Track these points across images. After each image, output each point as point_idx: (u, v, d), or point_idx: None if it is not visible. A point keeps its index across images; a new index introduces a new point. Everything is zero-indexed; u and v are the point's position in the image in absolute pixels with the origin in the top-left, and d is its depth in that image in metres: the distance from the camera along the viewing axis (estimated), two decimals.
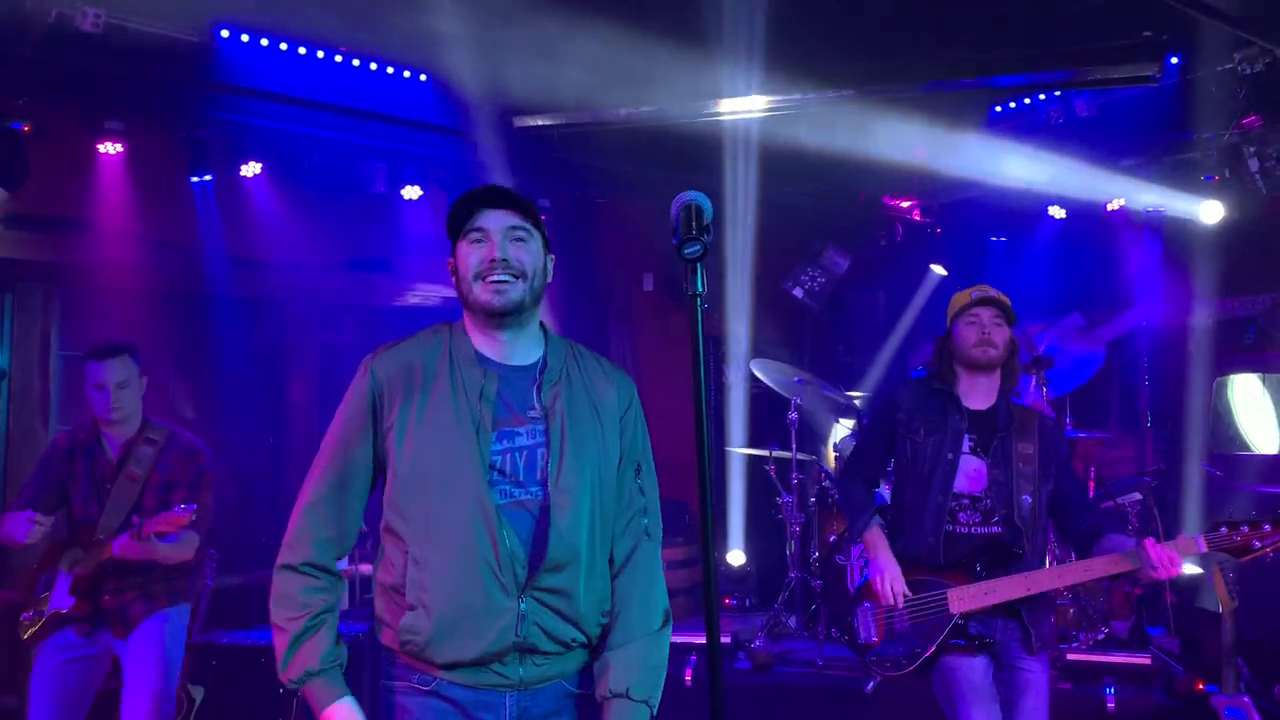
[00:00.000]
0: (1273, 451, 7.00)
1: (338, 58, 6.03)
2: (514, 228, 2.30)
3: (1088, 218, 7.62)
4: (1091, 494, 6.30)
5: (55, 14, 4.86)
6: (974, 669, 3.30)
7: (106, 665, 4.01)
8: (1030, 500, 3.38)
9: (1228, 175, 6.54)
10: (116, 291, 6.37)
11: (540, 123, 6.52)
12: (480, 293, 2.25)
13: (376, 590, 2.30)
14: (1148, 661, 5.25)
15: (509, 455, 2.23)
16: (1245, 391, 7.45)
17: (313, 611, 2.20)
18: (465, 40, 6.32)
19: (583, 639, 2.28)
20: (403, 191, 6.76)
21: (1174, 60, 6.09)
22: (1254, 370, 7.44)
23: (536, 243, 2.34)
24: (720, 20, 5.29)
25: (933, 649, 3.33)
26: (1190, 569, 4.78)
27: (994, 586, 3.30)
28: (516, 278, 2.27)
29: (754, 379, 7.14)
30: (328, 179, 6.39)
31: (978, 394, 3.49)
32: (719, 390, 8.54)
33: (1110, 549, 3.28)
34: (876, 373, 8.60)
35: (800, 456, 6.47)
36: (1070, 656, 5.18)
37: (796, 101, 5.56)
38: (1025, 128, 7.22)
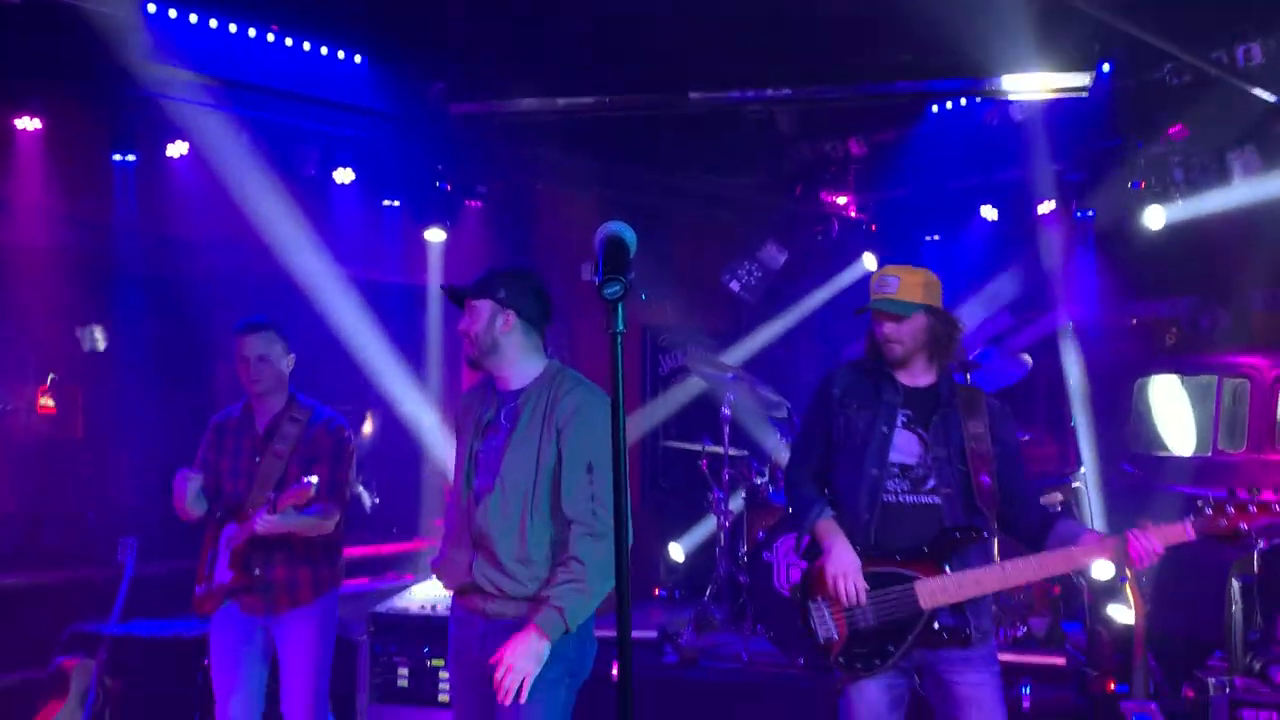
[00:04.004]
0: (1188, 453, 7.20)
1: (270, 36, 5.89)
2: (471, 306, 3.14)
3: (1019, 219, 7.76)
4: None
5: None
6: (876, 700, 3.23)
7: (271, 637, 4.15)
8: (989, 481, 3.25)
9: (1153, 183, 6.68)
10: (37, 270, 6.20)
11: (478, 110, 6.43)
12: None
13: None
14: (1063, 662, 5.37)
15: (485, 455, 3.12)
16: (1165, 392, 7.65)
17: None
18: (402, 21, 6.23)
19: (520, 591, 3.01)
20: (335, 175, 6.64)
21: (1105, 68, 6.21)
22: (1174, 371, 7.63)
23: (484, 309, 3.09)
24: (653, 17, 5.26)
25: (905, 646, 3.18)
26: (1103, 572, 4.87)
27: (967, 579, 3.15)
28: (470, 340, 3.13)
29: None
30: (258, 161, 6.25)
31: (914, 372, 3.38)
32: (654, 383, 8.56)
33: (1074, 535, 3.17)
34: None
35: (732, 452, 6.51)
36: None
37: (734, 99, 5.56)
38: (961, 129, 7.33)
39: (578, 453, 3.00)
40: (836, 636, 3.25)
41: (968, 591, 3.14)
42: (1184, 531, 3.08)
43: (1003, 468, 3.33)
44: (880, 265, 8.25)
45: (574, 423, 3.01)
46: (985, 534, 3.22)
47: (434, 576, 3.33)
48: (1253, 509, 3.08)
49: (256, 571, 4.03)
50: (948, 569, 3.17)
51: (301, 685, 4.06)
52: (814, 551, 3.39)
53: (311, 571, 4.10)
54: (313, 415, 4.21)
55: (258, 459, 4.13)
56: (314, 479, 3.84)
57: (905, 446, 3.30)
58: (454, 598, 3.21)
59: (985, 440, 3.28)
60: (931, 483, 3.27)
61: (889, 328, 3.32)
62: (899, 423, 3.32)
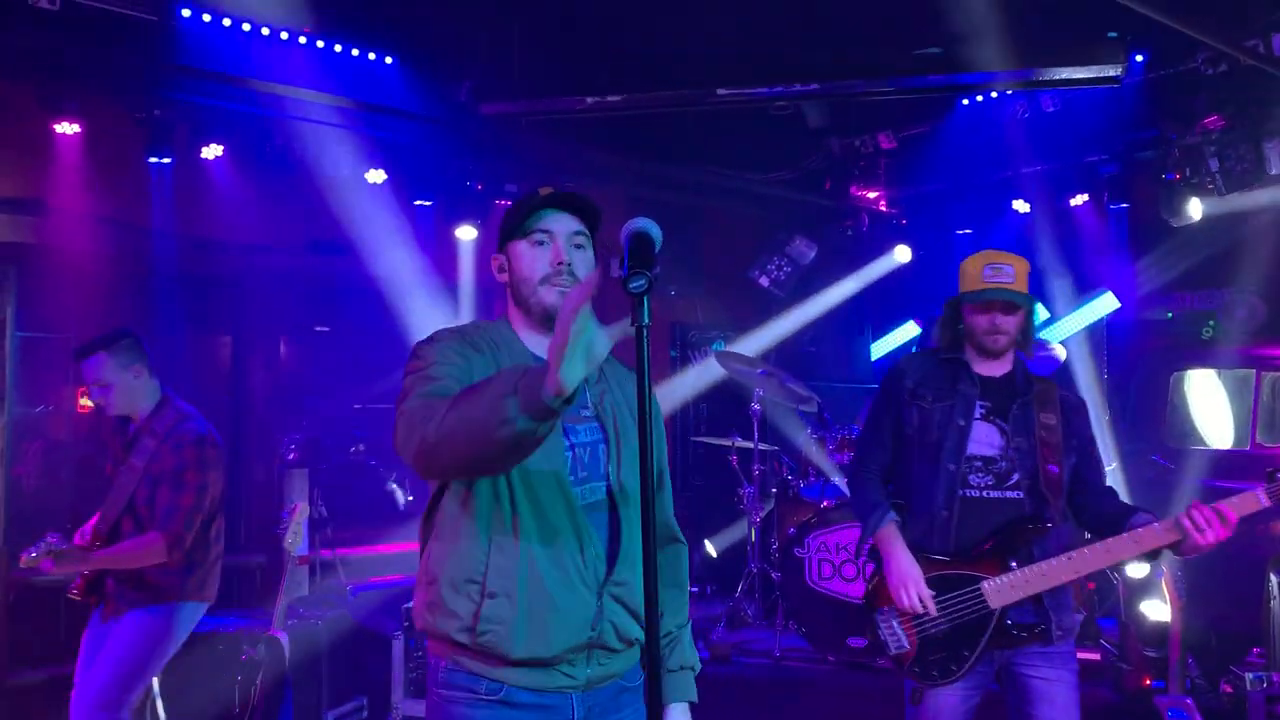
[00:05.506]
0: (1226, 446, 7.10)
1: (301, 39, 5.96)
2: (576, 233, 2.27)
3: (1051, 212, 7.69)
4: None
5: None
6: (954, 708, 3.09)
7: None
8: (1057, 470, 3.11)
9: (1189, 174, 6.60)
10: (75, 272, 6.29)
11: (507, 109, 6.47)
12: (545, 296, 2.22)
13: (429, 581, 2.18)
14: (1097, 657, 5.33)
15: (575, 451, 2.21)
16: (1202, 386, 7.55)
17: None
18: (431, 21, 6.28)
19: (640, 636, 2.25)
20: (366, 175, 6.71)
21: (1139, 58, 6.15)
22: (1211, 364, 7.52)
23: (590, 250, 2.29)
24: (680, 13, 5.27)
25: (980, 649, 3.05)
26: (1138, 570, 4.83)
27: (1035, 573, 3.01)
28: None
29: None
30: (290, 162, 6.33)
31: (993, 363, 3.24)
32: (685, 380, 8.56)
33: (1147, 522, 2.99)
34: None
35: (763, 447, 6.51)
36: None
37: (762, 95, 5.55)
38: (992, 121, 7.27)
39: (663, 457, 2.44)
40: (908, 647, 3.13)
41: (1035, 586, 3.01)
42: (1257, 499, 2.91)
43: (1079, 460, 3.21)
44: (915, 258, 8.28)
45: (657, 423, 2.40)
46: (1048, 525, 3.07)
47: (482, 643, 2.12)
48: None
49: (110, 583, 3.90)
50: (1014, 565, 3.05)
51: (90, 683, 3.86)
52: (877, 555, 3.26)
53: (134, 586, 3.88)
54: (170, 429, 3.89)
55: (120, 469, 3.91)
56: (48, 542, 3.70)
57: (985, 438, 3.16)
58: (502, 672, 2.14)
59: (1057, 432, 3.16)
60: (1015, 476, 3.13)
61: (1000, 319, 3.16)
62: (977, 415, 3.18)
